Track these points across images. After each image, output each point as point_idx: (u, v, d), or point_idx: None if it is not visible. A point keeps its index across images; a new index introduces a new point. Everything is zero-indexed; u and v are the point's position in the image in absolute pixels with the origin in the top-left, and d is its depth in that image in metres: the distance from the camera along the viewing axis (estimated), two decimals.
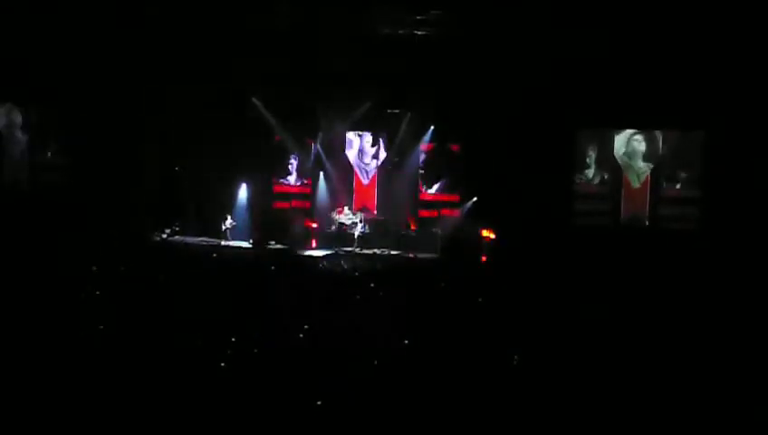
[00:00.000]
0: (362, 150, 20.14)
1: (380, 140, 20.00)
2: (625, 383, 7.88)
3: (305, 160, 20.15)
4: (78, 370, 7.62)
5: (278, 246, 18.53)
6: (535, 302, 11.65)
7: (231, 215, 19.44)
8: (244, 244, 18.84)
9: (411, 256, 18.12)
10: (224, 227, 19.23)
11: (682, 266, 14.82)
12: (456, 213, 19.11)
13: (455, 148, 19.34)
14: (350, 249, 18.30)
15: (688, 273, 14.38)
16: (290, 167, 20.27)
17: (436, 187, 19.62)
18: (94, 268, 12.76)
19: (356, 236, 18.73)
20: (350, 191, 20.10)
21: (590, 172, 17.34)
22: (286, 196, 20.38)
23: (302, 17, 16.50)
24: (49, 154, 19.93)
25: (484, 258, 17.70)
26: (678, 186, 17.06)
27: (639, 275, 14.16)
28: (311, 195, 20.16)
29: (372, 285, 12.47)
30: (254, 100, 19.65)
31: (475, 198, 18.65)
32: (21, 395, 6.86)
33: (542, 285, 12.95)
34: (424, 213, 19.62)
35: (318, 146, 19.96)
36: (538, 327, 10.00)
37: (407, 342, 8.87)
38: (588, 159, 17.41)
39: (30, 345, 8.26)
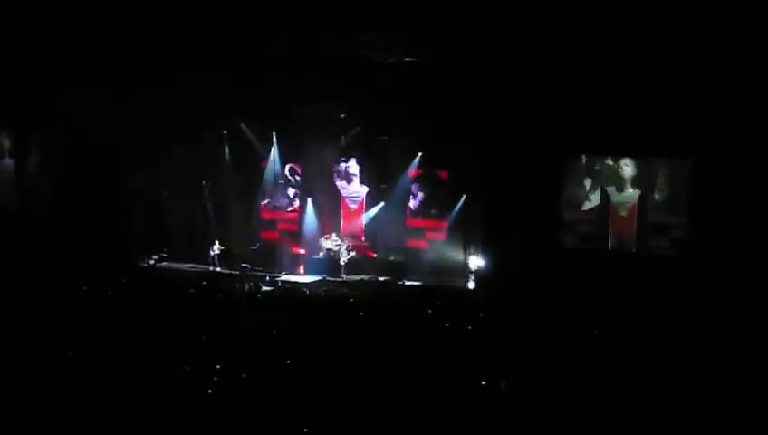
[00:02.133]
0: (350, 176, 20.12)
1: (368, 167, 19.97)
2: (613, 407, 7.92)
3: (295, 185, 20.19)
4: (64, 393, 7.58)
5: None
6: (524, 328, 11.68)
7: (219, 241, 19.35)
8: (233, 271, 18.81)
9: (399, 282, 18.09)
10: (212, 253, 19.13)
11: (668, 292, 14.89)
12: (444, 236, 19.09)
13: (443, 175, 19.33)
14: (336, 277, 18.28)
15: (674, 299, 14.46)
16: (286, 191, 20.27)
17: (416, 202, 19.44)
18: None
19: (342, 263, 18.67)
20: (337, 217, 20.06)
21: (588, 198, 17.42)
22: (273, 222, 20.37)
23: (292, 44, 16.62)
24: (37, 180, 19.87)
25: None
26: (665, 213, 17.14)
27: (626, 301, 14.24)
28: (298, 220, 20.14)
29: (361, 313, 12.47)
30: (242, 126, 19.70)
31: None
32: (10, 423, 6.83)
33: (531, 311, 12.98)
34: (411, 242, 19.50)
35: (305, 172, 20.00)
36: (526, 353, 10.02)
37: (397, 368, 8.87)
38: (584, 185, 17.48)
39: (16, 372, 8.21)
